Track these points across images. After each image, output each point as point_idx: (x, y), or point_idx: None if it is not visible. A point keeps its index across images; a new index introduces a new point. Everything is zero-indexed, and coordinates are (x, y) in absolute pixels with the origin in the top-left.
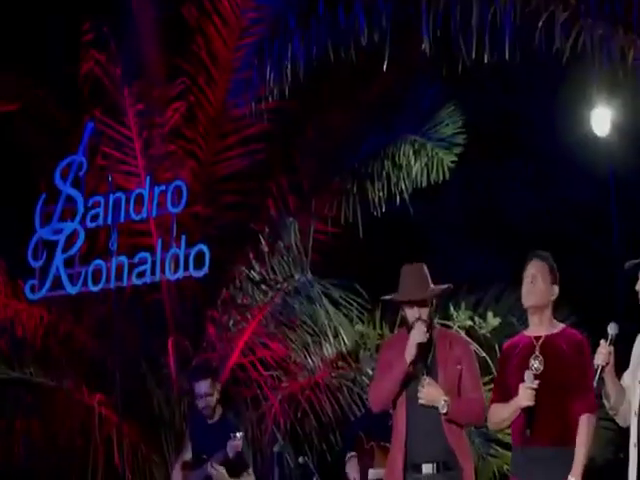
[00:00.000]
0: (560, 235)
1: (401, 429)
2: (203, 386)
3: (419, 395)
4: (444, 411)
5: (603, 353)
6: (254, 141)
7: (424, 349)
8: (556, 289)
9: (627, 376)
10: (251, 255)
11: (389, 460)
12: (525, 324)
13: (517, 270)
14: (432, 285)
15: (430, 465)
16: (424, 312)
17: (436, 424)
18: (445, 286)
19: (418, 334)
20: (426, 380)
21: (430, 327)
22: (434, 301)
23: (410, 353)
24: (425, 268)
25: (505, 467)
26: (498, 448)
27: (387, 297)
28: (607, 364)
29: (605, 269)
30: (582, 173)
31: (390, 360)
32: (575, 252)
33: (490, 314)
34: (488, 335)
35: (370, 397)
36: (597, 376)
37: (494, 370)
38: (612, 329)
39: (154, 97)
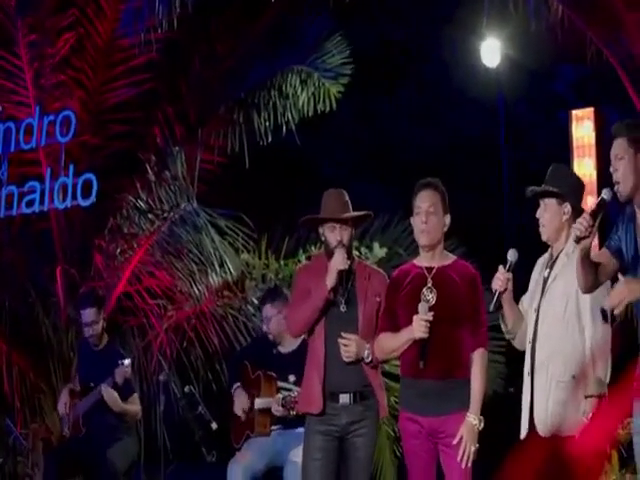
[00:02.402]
0: (449, 166)
1: (319, 358)
2: (89, 314)
3: (343, 356)
4: (368, 360)
5: (501, 279)
6: (142, 71)
7: (344, 277)
8: (448, 219)
9: (525, 300)
10: (138, 184)
11: (305, 388)
12: (412, 254)
13: (403, 201)
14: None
15: (347, 395)
16: (345, 235)
17: None
18: (366, 213)
19: (339, 261)
20: (346, 338)
21: (350, 254)
22: (353, 229)
23: (331, 280)
24: (346, 194)
25: (393, 399)
26: (386, 380)
27: (309, 216)
28: (505, 290)
29: (494, 200)
30: (472, 104)
31: (308, 286)
32: (464, 183)
33: (376, 244)
34: (374, 265)
35: (288, 323)
36: (494, 300)
37: None
38: (511, 256)
39: (45, 28)
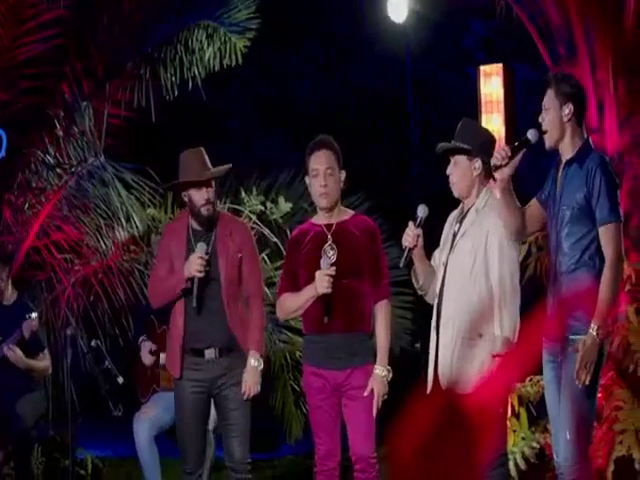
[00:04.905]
0: (355, 122)
1: (179, 322)
2: None
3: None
4: (261, 367)
5: (410, 235)
6: (51, 26)
7: (205, 234)
8: (343, 174)
9: (437, 256)
10: (46, 139)
11: (169, 350)
12: (316, 210)
13: None
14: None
15: (212, 350)
16: (211, 192)
17: (217, 312)
18: (228, 166)
19: (195, 265)
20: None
21: (214, 210)
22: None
23: (188, 272)
24: (204, 151)
25: (297, 354)
26: (289, 333)
27: (173, 182)
28: (415, 246)
29: (401, 155)
30: (379, 59)
31: (170, 247)
32: (370, 139)
33: (282, 199)
34: (280, 220)
35: (149, 293)
36: (404, 256)
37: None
38: (421, 211)
39: None
